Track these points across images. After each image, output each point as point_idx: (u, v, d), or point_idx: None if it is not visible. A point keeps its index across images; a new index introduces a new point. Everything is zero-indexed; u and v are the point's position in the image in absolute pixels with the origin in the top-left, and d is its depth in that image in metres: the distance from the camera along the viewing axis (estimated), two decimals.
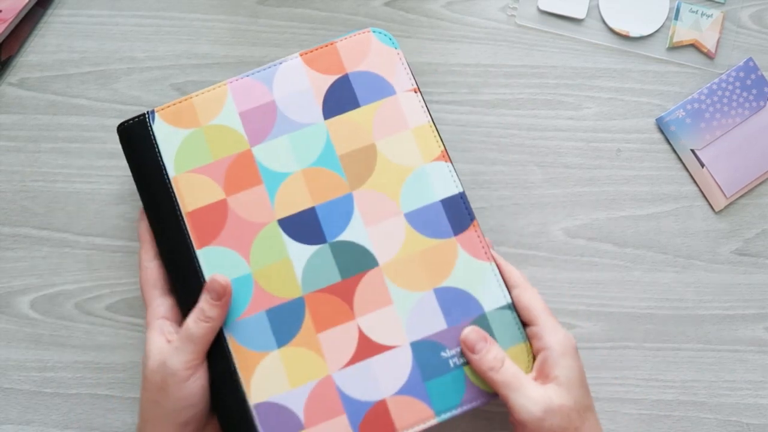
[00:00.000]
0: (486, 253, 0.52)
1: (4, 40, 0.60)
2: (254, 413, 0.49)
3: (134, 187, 0.59)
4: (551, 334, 0.49)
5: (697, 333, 0.59)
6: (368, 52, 0.54)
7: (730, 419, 0.58)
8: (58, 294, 0.59)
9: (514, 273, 0.52)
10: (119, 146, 0.60)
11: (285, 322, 0.50)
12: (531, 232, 0.60)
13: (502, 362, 0.48)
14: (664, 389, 0.58)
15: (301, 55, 0.54)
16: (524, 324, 0.51)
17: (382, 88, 0.54)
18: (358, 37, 0.54)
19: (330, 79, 0.54)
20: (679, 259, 0.60)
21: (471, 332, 0.49)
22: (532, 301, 0.50)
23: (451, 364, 0.50)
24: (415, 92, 0.54)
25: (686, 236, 0.60)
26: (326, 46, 0.54)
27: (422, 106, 0.54)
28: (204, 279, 0.51)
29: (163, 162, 0.53)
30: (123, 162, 0.60)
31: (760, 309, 0.59)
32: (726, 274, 0.60)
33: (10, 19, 0.59)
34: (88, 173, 0.60)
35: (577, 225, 0.60)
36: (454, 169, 0.53)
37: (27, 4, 0.60)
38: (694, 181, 0.60)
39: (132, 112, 0.60)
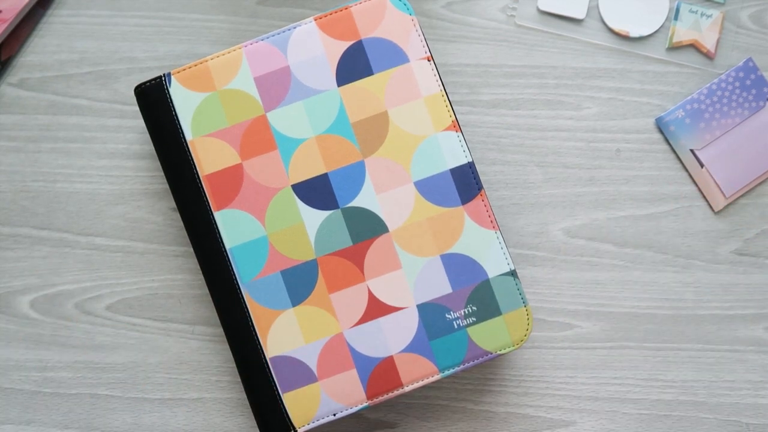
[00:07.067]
0: (492, 221, 0.53)
1: (4, 40, 0.60)
2: (270, 365, 0.53)
3: (134, 186, 0.60)
4: None
5: (697, 333, 0.59)
6: (383, 18, 0.54)
7: (730, 419, 0.58)
8: (58, 294, 0.59)
9: None
10: (119, 146, 0.60)
11: (299, 282, 0.53)
12: (531, 232, 0.60)
13: None
14: (663, 389, 0.59)
15: (315, 19, 0.55)
16: None
17: (395, 56, 0.54)
18: (374, 1, 0.55)
19: (344, 45, 0.54)
20: (678, 259, 0.60)
21: None
22: None
23: (455, 326, 0.53)
24: (428, 60, 0.54)
25: (686, 236, 0.60)
26: (341, 10, 0.55)
27: (435, 75, 0.54)
28: (222, 241, 0.53)
29: (180, 125, 0.54)
30: (123, 162, 0.60)
31: (760, 309, 0.59)
32: (726, 274, 0.60)
33: (10, 19, 0.59)
34: (88, 173, 0.60)
35: (576, 225, 0.60)
36: (464, 138, 0.54)
37: (27, 4, 0.59)
38: (694, 181, 0.60)
39: (132, 112, 0.60)
